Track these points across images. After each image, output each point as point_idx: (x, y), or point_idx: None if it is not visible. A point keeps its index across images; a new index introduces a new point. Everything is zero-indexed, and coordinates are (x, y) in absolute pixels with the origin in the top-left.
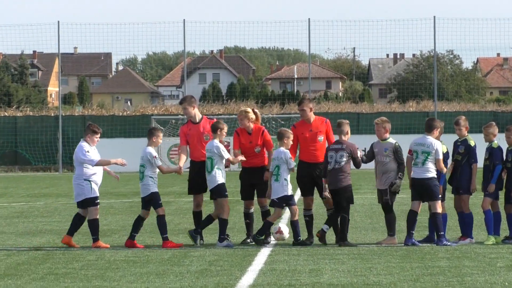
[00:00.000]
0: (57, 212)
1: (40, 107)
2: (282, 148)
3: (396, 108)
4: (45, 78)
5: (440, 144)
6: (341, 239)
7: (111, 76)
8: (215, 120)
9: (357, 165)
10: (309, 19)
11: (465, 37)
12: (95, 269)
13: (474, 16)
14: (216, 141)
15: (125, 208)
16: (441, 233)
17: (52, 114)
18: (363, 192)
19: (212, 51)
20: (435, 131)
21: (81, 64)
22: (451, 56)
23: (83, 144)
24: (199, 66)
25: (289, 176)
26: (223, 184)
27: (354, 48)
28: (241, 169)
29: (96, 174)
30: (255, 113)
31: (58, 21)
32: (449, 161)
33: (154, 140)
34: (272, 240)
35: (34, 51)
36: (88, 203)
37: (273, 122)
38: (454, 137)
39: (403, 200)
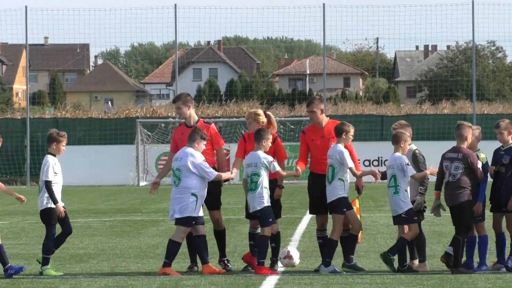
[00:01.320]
0: (25, 233)
1: (4, 108)
2: (398, 154)
3: (427, 109)
4: (10, 74)
5: None
6: (455, 265)
7: (88, 71)
8: (212, 124)
9: (478, 179)
10: (323, 4)
11: (510, 26)
12: None
13: None
14: (341, 146)
15: (105, 229)
16: None
17: (19, 117)
18: (388, 210)
19: (208, 42)
20: None
21: (53, 57)
22: (492, 48)
23: (194, 152)
24: (193, 60)
25: (409, 186)
26: (344, 198)
27: (377, 38)
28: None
29: (205, 189)
30: (267, 116)
31: (26, 6)
32: None
33: (264, 143)
34: (280, 266)
35: None
36: (186, 222)
37: (281, 127)
38: (495, 144)
39: (434, 219)
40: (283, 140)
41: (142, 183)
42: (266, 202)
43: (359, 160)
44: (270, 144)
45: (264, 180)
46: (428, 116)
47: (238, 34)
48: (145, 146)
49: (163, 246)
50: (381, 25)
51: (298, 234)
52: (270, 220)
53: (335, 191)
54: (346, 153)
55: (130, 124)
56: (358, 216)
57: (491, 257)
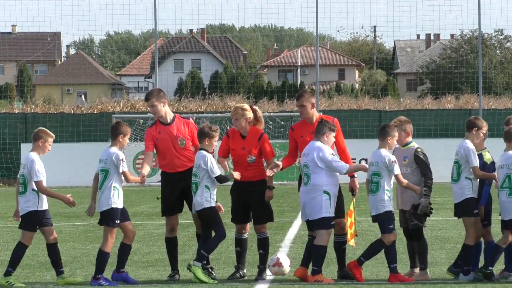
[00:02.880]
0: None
1: None
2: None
3: (429, 104)
4: None
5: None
6: None
7: (60, 62)
8: (191, 119)
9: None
10: None
11: None
12: None
13: None
14: (468, 142)
15: (78, 234)
16: None
17: None
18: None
19: (191, 31)
20: None
21: (21, 47)
22: (500, 37)
23: (322, 145)
24: (175, 50)
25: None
26: (473, 199)
27: (375, 27)
28: (232, 183)
29: (337, 186)
30: (254, 111)
31: None
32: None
33: (389, 141)
34: (269, 274)
35: None
36: (324, 223)
37: (270, 123)
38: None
39: (436, 224)
40: (272, 137)
41: None
42: (387, 206)
43: (354, 159)
44: (395, 143)
45: (386, 181)
46: (430, 111)
47: (223, 22)
48: None
49: (141, 252)
50: (379, 12)
51: (289, 239)
52: (391, 226)
53: (462, 191)
54: (473, 150)
55: (105, 120)
56: (352, 219)
57: (498, 265)
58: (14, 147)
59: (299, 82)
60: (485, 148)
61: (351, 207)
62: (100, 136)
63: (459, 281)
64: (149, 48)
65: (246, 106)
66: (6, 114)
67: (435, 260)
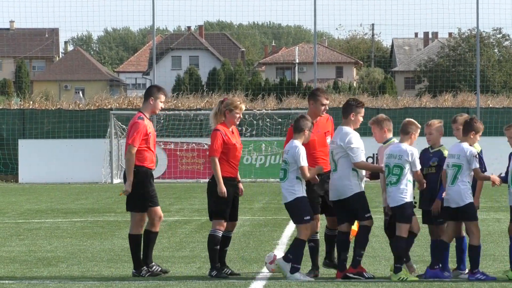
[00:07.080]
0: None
1: None
2: None
3: (427, 102)
4: None
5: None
6: None
7: (58, 58)
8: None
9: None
10: None
11: None
12: None
13: None
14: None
15: (75, 230)
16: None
17: None
18: (382, 211)
19: (189, 28)
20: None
21: (19, 43)
22: (498, 36)
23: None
24: (173, 46)
25: None
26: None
27: (373, 24)
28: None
29: None
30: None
31: None
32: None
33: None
34: (266, 271)
35: None
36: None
37: (268, 120)
38: (500, 140)
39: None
40: (270, 134)
41: (116, 181)
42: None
43: None
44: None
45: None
46: (427, 110)
47: (221, 19)
48: (120, 140)
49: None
50: (377, 10)
51: (286, 237)
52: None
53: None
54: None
55: (103, 116)
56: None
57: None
58: (12, 143)
59: (296, 80)
60: (442, 145)
61: None
62: (98, 132)
63: (456, 279)
64: (147, 45)
65: None
66: (3, 110)
67: (424, 258)
